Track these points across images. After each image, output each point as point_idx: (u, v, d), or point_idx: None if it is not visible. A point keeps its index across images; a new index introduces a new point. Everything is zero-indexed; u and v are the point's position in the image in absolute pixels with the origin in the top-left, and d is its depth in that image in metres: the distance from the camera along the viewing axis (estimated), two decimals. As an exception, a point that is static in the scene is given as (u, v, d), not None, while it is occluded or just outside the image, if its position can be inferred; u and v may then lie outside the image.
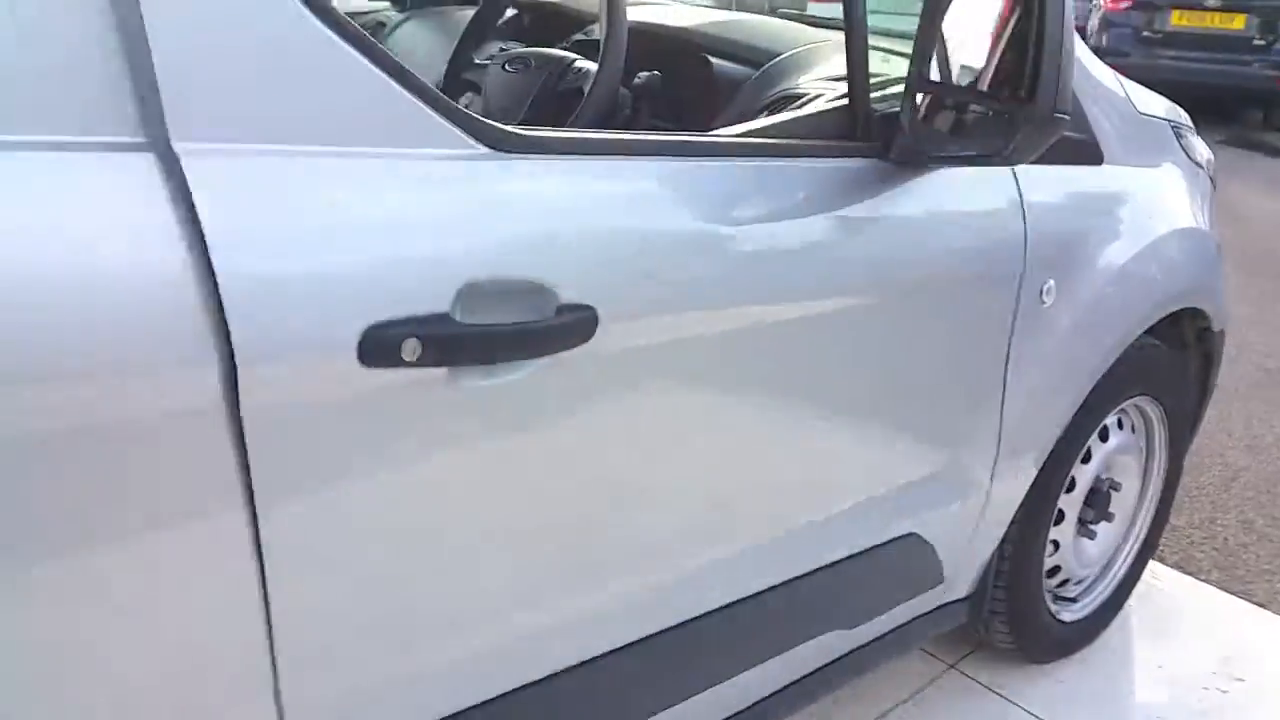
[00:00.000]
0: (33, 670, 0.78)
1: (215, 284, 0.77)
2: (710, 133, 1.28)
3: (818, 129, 1.29)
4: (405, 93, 0.90)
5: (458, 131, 0.93)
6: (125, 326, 0.73)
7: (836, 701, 1.82)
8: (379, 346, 0.85)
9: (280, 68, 0.83)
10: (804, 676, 1.50)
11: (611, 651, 1.18)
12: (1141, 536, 2.10)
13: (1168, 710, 1.90)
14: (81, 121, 0.74)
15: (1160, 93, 2.08)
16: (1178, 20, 8.80)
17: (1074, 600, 2.02)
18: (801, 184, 1.21)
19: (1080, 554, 1.97)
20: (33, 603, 0.76)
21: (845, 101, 1.29)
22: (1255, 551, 2.47)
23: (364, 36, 0.88)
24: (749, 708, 1.42)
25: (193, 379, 0.77)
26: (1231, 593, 2.28)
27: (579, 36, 1.72)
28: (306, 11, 0.84)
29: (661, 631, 1.22)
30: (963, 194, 1.42)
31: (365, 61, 0.87)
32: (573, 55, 1.55)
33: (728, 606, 1.29)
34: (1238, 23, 8.61)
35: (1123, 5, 9.06)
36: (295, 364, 0.82)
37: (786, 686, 1.47)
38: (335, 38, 0.85)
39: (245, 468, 0.82)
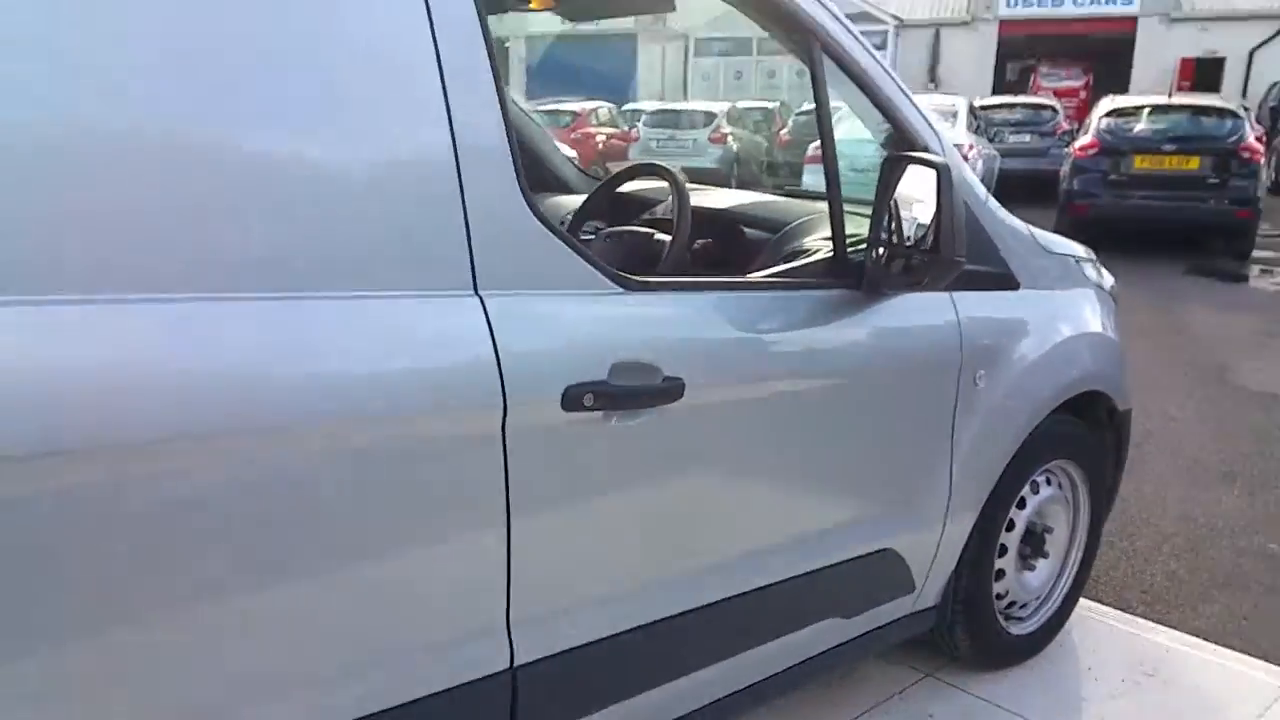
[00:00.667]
0: (372, 597, 1.42)
1: (498, 357, 1.46)
2: (746, 276, 2.00)
3: (814, 272, 2.01)
4: (579, 259, 1.61)
5: (606, 279, 1.63)
6: (465, 385, 1.42)
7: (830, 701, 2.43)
8: (571, 399, 1.53)
9: (524, 252, 1.53)
10: (803, 661, 2.11)
11: (682, 614, 1.80)
12: (1073, 573, 2.73)
13: (1094, 694, 2.50)
14: (434, 274, 1.44)
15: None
16: (1140, 164, 9.76)
17: (1021, 619, 2.64)
18: (805, 307, 1.93)
19: (1023, 583, 2.60)
20: (380, 551, 1.41)
21: (831, 254, 2.01)
22: (1175, 593, 3.10)
23: (559, 227, 1.60)
24: (764, 680, 2.03)
25: (491, 415, 1.45)
26: (1151, 620, 2.89)
27: (647, 216, 2.48)
28: (530, 215, 1.54)
29: (720, 601, 1.86)
30: (915, 313, 2.12)
31: (558, 241, 1.58)
32: (651, 230, 2.28)
33: (764, 588, 1.93)
34: (1193, 164, 9.57)
35: (1090, 152, 10.02)
36: (532, 407, 1.50)
37: (789, 669, 2.08)
38: (543, 228, 1.56)
39: (506, 467, 1.49)
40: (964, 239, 1.89)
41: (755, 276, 2.01)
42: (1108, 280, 2.86)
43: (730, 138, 15.85)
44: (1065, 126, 14.62)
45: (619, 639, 1.70)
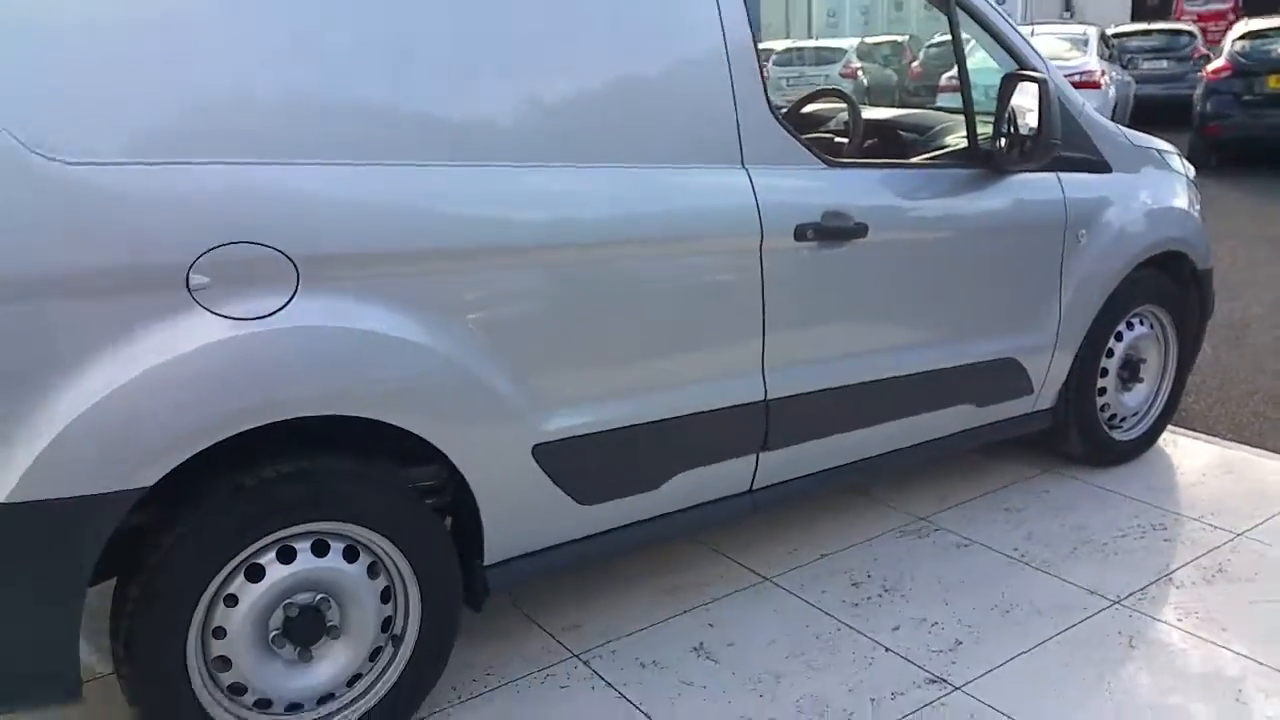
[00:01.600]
0: (693, 344, 2.35)
1: (757, 204, 2.36)
2: (908, 160, 2.85)
3: (954, 157, 2.84)
4: (801, 146, 2.49)
5: (817, 159, 2.51)
6: (730, 226, 2.33)
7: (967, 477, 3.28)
8: (798, 232, 2.43)
9: (770, 142, 2.42)
10: (949, 436, 2.97)
11: (838, 388, 2.67)
12: (1165, 398, 3.49)
13: (1181, 483, 3.27)
14: (717, 153, 2.35)
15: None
16: (1274, 84, 9.89)
17: (1123, 429, 3.42)
18: (948, 180, 2.76)
19: (1122, 401, 3.38)
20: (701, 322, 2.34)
21: (967, 144, 2.83)
22: (1258, 428, 3.79)
23: (789, 126, 2.48)
24: (922, 444, 2.91)
25: (754, 239, 2.36)
26: (1220, 438, 3.62)
27: (824, 128, 3.35)
28: (773, 119, 2.43)
29: (895, 377, 2.73)
30: (1029, 187, 2.93)
31: (789, 135, 2.46)
32: (832, 134, 3.14)
33: (921, 373, 2.78)
34: (1331, 82, 9.64)
35: (1223, 75, 10.20)
36: (777, 234, 2.40)
37: (939, 439, 2.95)
38: (780, 127, 2.45)
39: (760, 273, 2.40)
40: (1059, 129, 2.69)
41: (915, 160, 2.86)
42: (1190, 170, 3.56)
43: (861, 72, 16.34)
44: (1203, 51, 14.48)
45: (831, 391, 2.60)
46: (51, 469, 1.67)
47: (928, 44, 16.36)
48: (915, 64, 16.36)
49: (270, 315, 1.81)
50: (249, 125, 1.81)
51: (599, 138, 2.18)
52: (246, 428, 1.81)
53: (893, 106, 4.40)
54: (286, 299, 1.82)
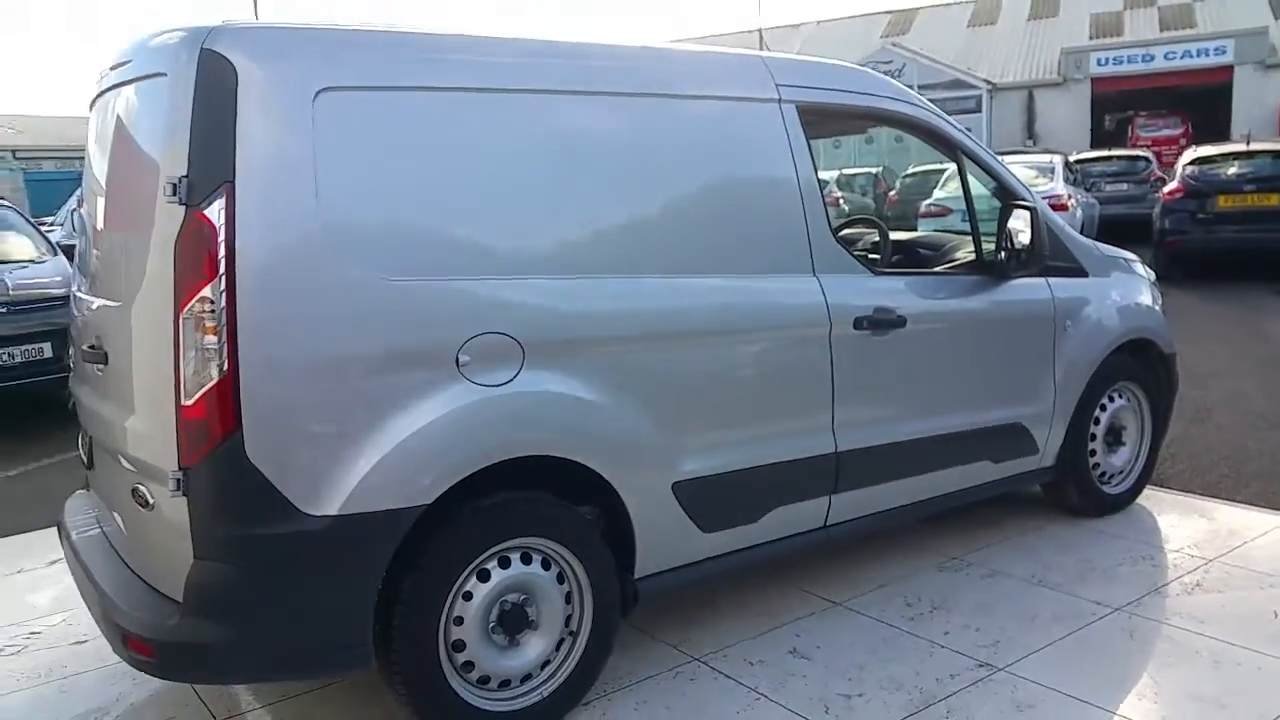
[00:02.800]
0: (788, 410, 3.11)
1: (827, 302, 3.15)
2: (932, 269, 3.68)
3: (966, 267, 3.67)
4: (853, 259, 3.31)
5: (866, 270, 3.33)
6: (808, 319, 3.12)
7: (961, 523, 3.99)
8: (855, 325, 3.22)
9: (831, 256, 3.23)
10: (971, 487, 3.70)
11: (889, 444, 3.41)
12: (1144, 459, 4.25)
13: (1159, 525, 3.99)
14: (797, 265, 3.15)
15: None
16: (1224, 203, 11.04)
17: (1111, 484, 4.16)
18: (963, 284, 3.59)
19: (1109, 461, 4.14)
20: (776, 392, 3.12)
21: (974, 256, 3.66)
22: (1224, 486, 4.54)
23: (844, 245, 3.30)
24: (950, 493, 3.63)
25: (824, 328, 3.14)
26: (1192, 493, 4.37)
27: (860, 245, 4.22)
28: (832, 238, 3.25)
29: (931, 436, 3.47)
30: (1025, 289, 3.75)
31: (845, 251, 3.28)
32: (866, 252, 3.99)
33: (951, 434, 3.53)
34: (1273, 200, 10.80)
35: (1177, 196, 11.37)
36: (842, 325, 3.18)
37: (963, 489, 3.68)
38: (838, 245, 3.26)
39: (830, 354, 3.17)
40: (1047, 244, 3.54)
41: (935, 269, 3.69)
42: (1151, 274, 4.43)
43: (841, 200, 17.66)
44: (1158, 173, 15.82)
45: (883, 446, 3.34)
46: (366, 492, 2.38)
47: (903, 174, 17.71)
48: (892, 193, 17.68)
49: (507, 383, 2.56)
50: (497, 250, 2.61)
51: (720, 257, 2.99)
52: (492, 462, 2.53)
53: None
54: (515, 372, 2.58)
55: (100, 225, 2.96)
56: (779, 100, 3.18)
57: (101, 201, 2.95)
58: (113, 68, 2.83)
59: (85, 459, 3.16)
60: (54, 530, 3.29)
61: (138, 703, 2.99)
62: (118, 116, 2.81)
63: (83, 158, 3.26)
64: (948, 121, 3.71)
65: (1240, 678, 2.85)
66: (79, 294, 3.10)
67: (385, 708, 2.77)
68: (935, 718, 2.72)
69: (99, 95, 2.99)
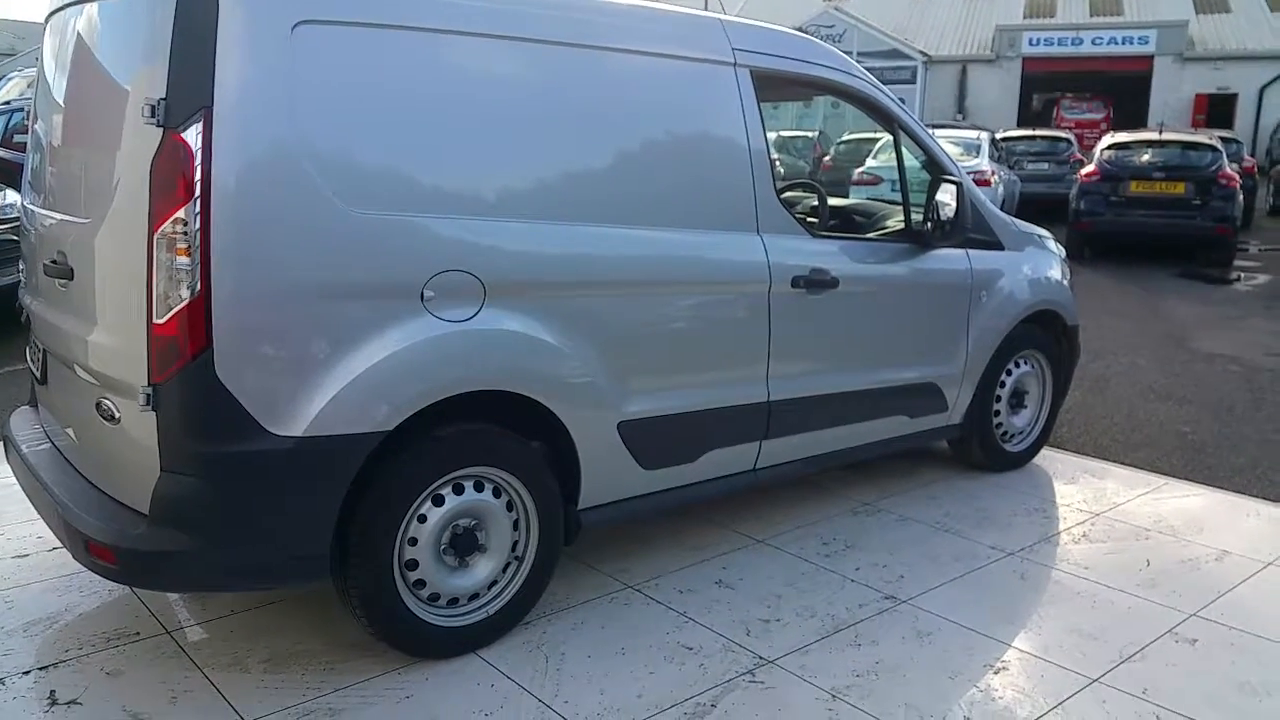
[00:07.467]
0: (723, 358, 3.33)
1: (769, 261, 3.36)
2: (865, 235, 3.92)
3: (895, 234, 3.93)
4: (795, 221, 3.52)
5: (806, 231, 3.55)
6: (748, 271, 3.33)
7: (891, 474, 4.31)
8: (793, 283, 3.44)
9: (775, 217, 3.43)
10: (888, 439, 3.99)
11: (816, 395, 3.67)
12: (1043, 422, 4.61)
13: (1051, 481, 4.35)
14: (743, 224, 3.35)
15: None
16: (1135, 188, 11.60)
17: (1012, 443, 4.51)
18: (891, 250, 3.84)
19: (1012, 422, 4.48)
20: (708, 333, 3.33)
21: (903, 225, 3.92)
22: (1113, 449, 4.93)
23: (788, 207, 3.52)
24: (868, 444, 3.92)
25: (764, 285, 3.35)
26: (1085, 454, 4.75)
27: (800, 207, 4.43)
28: (777, 200, 3.46)
29: (853, 390, 3.74)
30: (946, 258, 4.02)
31: (788, 213, 3.49)
32: (804, 215, 4.21)
33: (871, 389, 3.80)
34: (1179, 188, 11.39)
35: (1093, 179, 11.89)
36: (780, 283, 3.40)
37: (880, 440, 3.96)
38: (782, 207, 3.47)
39: (768, 310, 3.39)
40: (969, 218, 3.81)
41: (867, 235, 3.94)
42: (1062, 251, 4.75)
43: (777, 162, 17.86)
44: (1078, 156, 16.45)
45: (811, 398, 3.60)
46: (332, 416, 2.52)
47: (838, 141, 18.04)
48: (827, 158, 18.02)
49: (468, 320, 2.72)
50: (464, 190, 2.74)
51: (673, 211, 3.17)
52: (452, 394, 2.70)
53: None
54: (477, 309, 2.73)
55: (58, 142, 2.99)
56: (734, 64, 3.35)
57: (59, 119, 2.97)
58: None
59: (37, 374, 3.21)
60: (-5, 446, 3.34)
61: (87, 612, 3.09)
62: (79, 35, 2.83)
63: None
64: (887, 96, 3.93)
65: (1115, 615, 3.19)
66: (32, 207, 3.12)
67: (330, 621, 2.93)
68: (844, 642, 3.00)
69: (56, 11, 3.00)
